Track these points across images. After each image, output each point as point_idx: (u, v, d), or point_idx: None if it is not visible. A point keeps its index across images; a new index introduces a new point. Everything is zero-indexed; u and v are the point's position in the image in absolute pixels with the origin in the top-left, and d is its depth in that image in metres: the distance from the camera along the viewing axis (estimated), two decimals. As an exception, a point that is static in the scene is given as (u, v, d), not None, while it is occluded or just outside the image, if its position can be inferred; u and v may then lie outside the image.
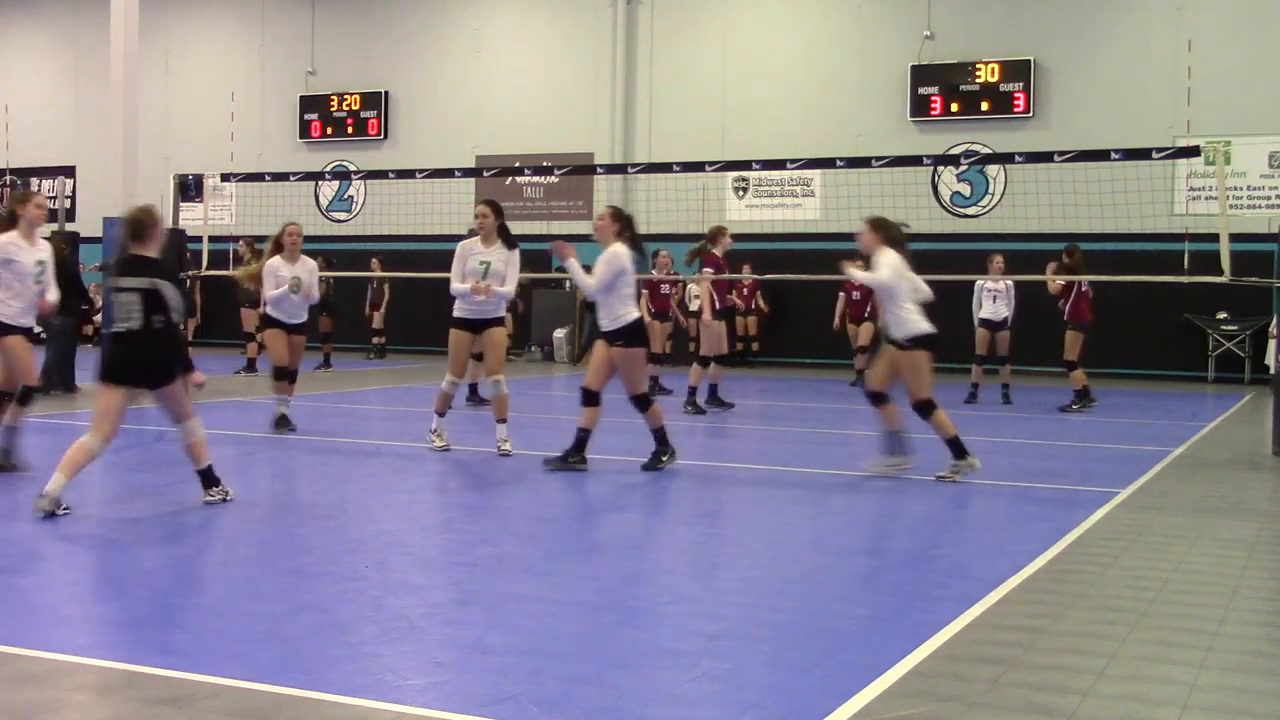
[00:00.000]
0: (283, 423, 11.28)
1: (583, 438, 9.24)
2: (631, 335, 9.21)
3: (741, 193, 23.26)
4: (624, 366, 9.20)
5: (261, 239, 20.73)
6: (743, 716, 4.01)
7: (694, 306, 22.55)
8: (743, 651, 4.73)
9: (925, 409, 9.04)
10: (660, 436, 9.37)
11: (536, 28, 24.98)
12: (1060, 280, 14.35)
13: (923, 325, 9.14)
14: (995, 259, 15.19)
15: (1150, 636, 5.02)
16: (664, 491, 8.76)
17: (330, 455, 10.03)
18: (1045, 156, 14.05)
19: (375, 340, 23.58)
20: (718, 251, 13.95)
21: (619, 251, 9.25)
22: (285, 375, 11.33)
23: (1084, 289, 14.39)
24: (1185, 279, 12.86)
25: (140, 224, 7.48)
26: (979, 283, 15.22)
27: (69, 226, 17.60)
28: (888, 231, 9.34)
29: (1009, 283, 15.15)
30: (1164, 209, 19.13)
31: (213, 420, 12.68)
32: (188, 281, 15.53)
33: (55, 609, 5.20)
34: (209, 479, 7.55)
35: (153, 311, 7.24)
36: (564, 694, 4.18)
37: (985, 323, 15.25)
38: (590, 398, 9.24)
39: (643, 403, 9.30)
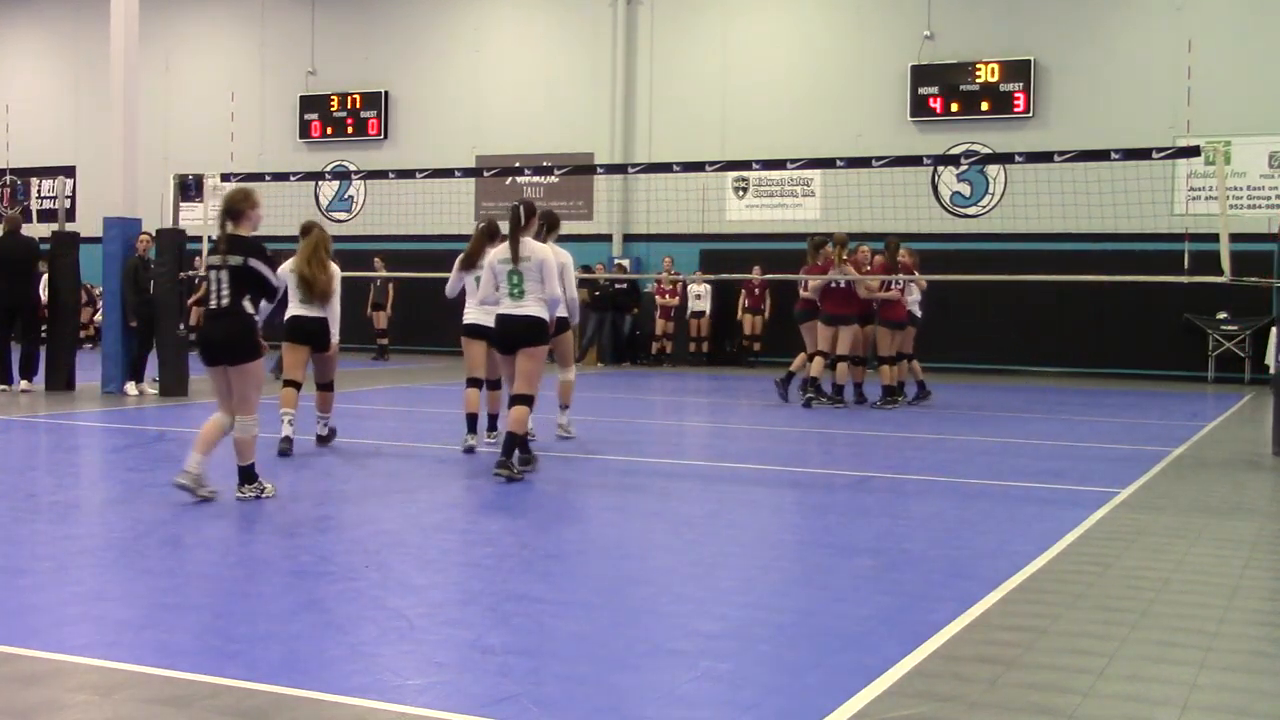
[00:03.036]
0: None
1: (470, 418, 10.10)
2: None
3: (741, 193, 23.26)
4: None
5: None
6: (743, 716, 4.01)
7: (695, 307, 22.67)
8: (743, 651, 4.73)
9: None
10: None
11: (537, 27, 24.99)
12: (876, 279, 14.34)
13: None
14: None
15: (1150, 636, 5.02)
16: (664, 491, 8.75)
17: (330, 455, 10.02)
18: (1045, 156, 14.04)
19: (380, 341, 23.49)
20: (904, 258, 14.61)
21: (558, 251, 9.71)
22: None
23: (896, 286, 14.33)
24: (1185, 279, 12.85)
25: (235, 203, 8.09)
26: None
27: (69, 226, 17.53)
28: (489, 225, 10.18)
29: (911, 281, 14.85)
30: (1164, 209, 19.13)
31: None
32: (186, 282, 15.51)
33: (55, 609, 5.19)
34: (248, 476, 7.85)
35: (241, 291, 7.75)
36: (564, 694, 4.18)
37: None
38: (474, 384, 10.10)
39: None
